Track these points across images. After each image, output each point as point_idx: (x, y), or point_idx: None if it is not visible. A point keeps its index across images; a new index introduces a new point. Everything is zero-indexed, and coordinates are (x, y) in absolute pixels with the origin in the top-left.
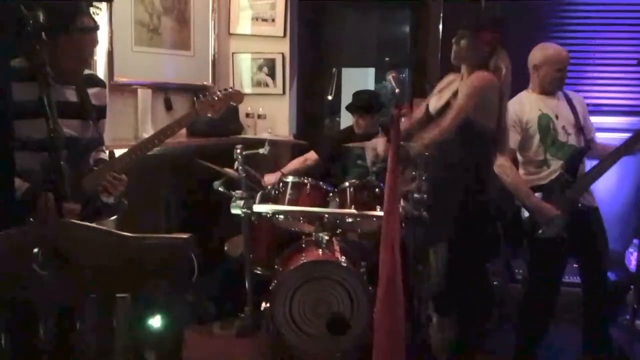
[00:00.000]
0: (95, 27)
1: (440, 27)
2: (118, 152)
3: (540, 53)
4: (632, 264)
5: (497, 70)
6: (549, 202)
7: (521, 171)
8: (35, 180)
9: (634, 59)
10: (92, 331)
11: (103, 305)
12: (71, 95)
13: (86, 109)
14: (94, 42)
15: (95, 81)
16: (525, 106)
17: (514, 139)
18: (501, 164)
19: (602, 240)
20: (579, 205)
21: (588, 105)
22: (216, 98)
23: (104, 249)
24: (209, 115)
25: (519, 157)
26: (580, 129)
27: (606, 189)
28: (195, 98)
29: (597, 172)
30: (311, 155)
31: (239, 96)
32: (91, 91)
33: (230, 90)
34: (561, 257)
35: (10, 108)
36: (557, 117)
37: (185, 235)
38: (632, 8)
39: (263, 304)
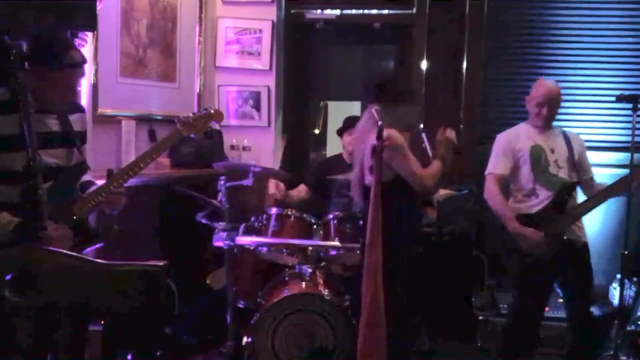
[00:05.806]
0: (83, 61)
1: (424, 62)
2: (100, 183)
3: (532, 88)
4: (615, 299)
5: None
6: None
7: (511, 199)
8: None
9: (613, 96)
10: None
11: (75, 335)
12: (53, 124)
13: (70, 137)
14: (82, 75)
15: (75, 107)
16: (521, 136)
17: (505, 166)
18: (488, 189)
19: (587, 276)
20: (566, 238)
21: None
22: (197, 117)
23: (76, 276)
24: (192, 134)
25: (511, 185)
26: (574, 165)
27: (590, 223)
28: (176, 119)
29: (585, 208)
30: (302, 188)
31: (219, 114)
32: (72, 117)
33: (210, 108)
34: (546, 285)
35: None
36: (552, 151)
37: (160, 263)
38: (610, 47)
39: (245, 338)
